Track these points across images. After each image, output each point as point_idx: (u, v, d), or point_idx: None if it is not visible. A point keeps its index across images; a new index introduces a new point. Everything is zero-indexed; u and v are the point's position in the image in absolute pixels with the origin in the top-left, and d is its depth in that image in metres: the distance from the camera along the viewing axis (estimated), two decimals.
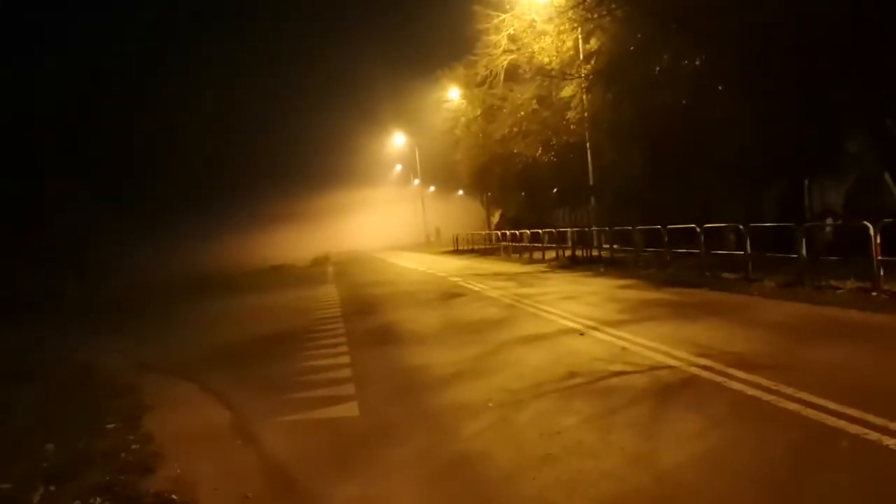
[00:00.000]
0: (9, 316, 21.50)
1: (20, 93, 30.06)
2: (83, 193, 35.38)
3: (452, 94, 34.39)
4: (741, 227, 12.42)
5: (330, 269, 31.65)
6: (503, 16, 25.39)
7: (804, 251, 11.01)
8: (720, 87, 17.51)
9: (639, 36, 18.83)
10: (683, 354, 6.48)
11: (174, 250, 48.27)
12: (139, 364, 9.14)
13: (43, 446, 5.16)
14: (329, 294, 17.33)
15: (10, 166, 33.23)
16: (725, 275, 12.49)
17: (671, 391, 5.37)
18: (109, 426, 5.70)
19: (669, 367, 6.11)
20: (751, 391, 5.13)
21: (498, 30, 25.89)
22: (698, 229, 13.67)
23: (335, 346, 8.98)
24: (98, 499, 4.06)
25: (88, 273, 32.43)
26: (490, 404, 5.43)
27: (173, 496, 4.06)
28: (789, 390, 5.00)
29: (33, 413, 6.41)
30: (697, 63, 17.93)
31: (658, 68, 18.94)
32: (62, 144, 29.81)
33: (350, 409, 5.76)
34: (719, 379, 5.56)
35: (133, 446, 5.08)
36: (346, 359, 8.01)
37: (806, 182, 16.56)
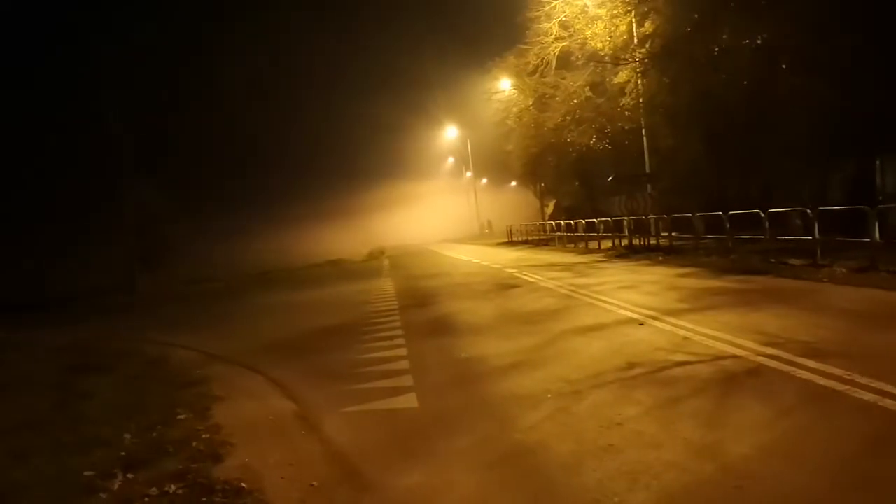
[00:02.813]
0: (82, 307, 22.68)
1: (91, 87, 31.69)
2: (148, 189, 36.84)
3: (503, 85, 34.12)
4: (808, 210, 11.93)
5: (385, 262, 32.02)
6: (554, 3, 25.04)
7: (877, 235, 10.49)
8: (783, 66, 16.80)
9: (696, 16, 18.23)
10: (749, 343, 6.28)
11: (234, 245, 49.73)
12: (206, 355, 9.47)
13: (120, 435, 5.41)
14: (385, 287, 17.54)
15: (88, 163, 35.02)
16: (792, 261, 12.03)
17: (737, 381, 5.22)
18: (181, 416, 5.93)
19: (734, 356, 5.94)
20: (822, 381, 4.94)
21: (549, 17, 25.56)
22: (762, 214, 13.19)
23: (393, 337, 9.09)
24: (173, 486, 4.23)
25: (154, 266, 33.80)
26: (548, 395, 5.40)
27: (242, 484, 4.19)
28: (864, 380, 4.79)
29: (110, 403, 6.73)
30: (759, 41, 17.22)
31: (717, 48, 18.29)
32: (129, 141, 31.24)
33: (409, 401, 5.82)
34: (788, 368, 5.37)
35: (203, 436, 5.27)
36: (403, 350, 8.10)
37: (878, 161, 15.75)
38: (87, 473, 4.56)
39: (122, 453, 4.96)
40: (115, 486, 4.36)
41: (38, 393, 7.51)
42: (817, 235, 11.64)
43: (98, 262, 34.76)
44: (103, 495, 4.24)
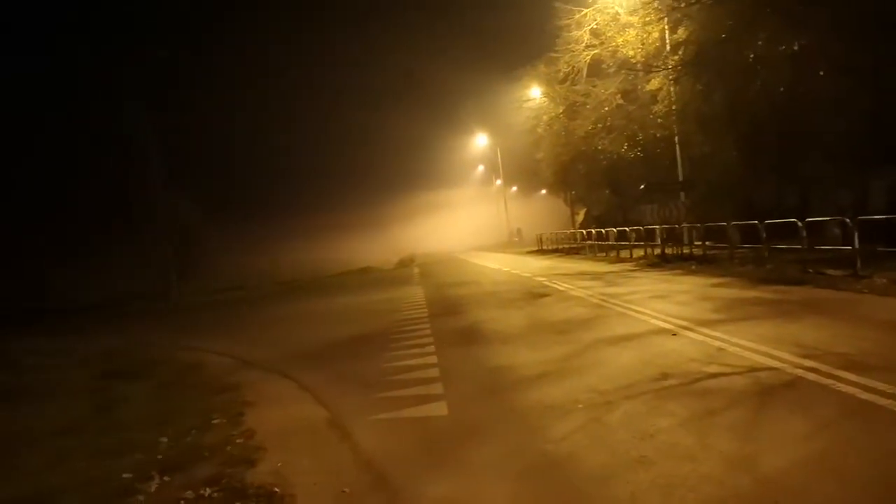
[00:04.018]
0: (120, 314, 23.20)
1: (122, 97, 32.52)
2: (183, 198, 37.64)
3: (534, 93, 34.09)
4: (847, 220, 11.65)
5: (415, 270, 32.11)
6: (585, 10, 24.96)
7: None
8: (821, 72, 16.47)
9: (730, 23, 17.98)
10: (786, 355, 6.15)
11: (266, 253, 50.41)
12: (239, 362, 9.61)
13: (156, 439, 5.53)
14: (415, 295, 17.59)
15: (123, 170, 35.99)
16: (831, 271, 11.74)
17: (773, 394, 5.11)
18: (215, 421, 6.03)
19: (771, 368, 5.82)
20: (863, 395, 4.81)
21: (580, 25, 25.48)
22: (800, 223, 12.91)
23: (423, 345, 9.11)
24: (208, 490, 4.30)
25: (189, 274, 34.42)
26: (579, 405, 5.35)
27: (275, 489, 4.25)
28: None
29: (146, 407, 6.87)
30: (795, 47, 16.92)
31: (752, 55, 18.00)
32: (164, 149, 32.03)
33: (439, 408, 5.83)
34: (827, 381, 5.24)
35: (237, 441, 5.35)
36: (433, 358, 8.11)
37: None
38: (124, 476, 4.67)
39: (159, 457, 5.07)
40: (152, 489, 4.46)
41: (78, 397, 7.71)
42: (857, 245, 11.36)
43: (135, 270, 35.60)
44: (140, 498, 4.33)
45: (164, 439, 5.52)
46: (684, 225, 20.66)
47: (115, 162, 37.80)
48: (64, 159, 38.08)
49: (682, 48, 20.51)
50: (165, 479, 4.60)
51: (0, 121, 33.98)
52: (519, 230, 55.86)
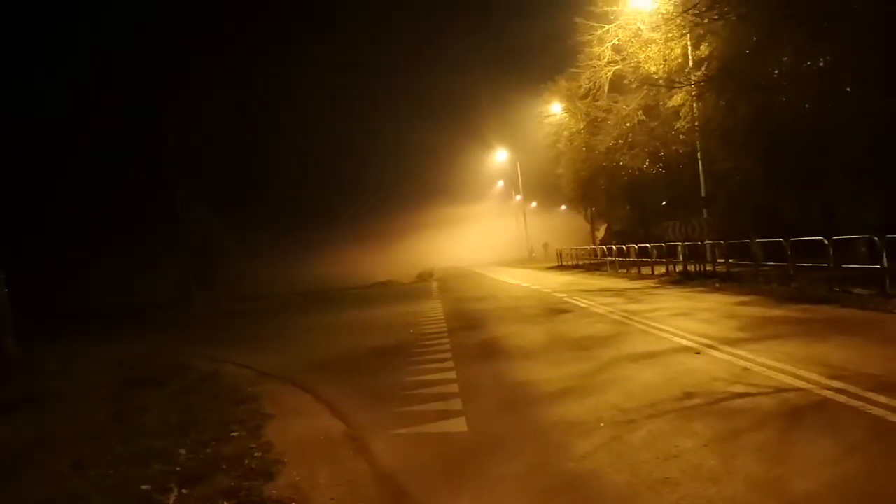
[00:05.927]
0: (141, 322, 23.46)
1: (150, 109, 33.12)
2: (203, 208, 38.03)
3: (554, 108, 34.12)
4: (875, 238, 11.42)
5: (434, 284, 32.09)
6: (607, 27, 24.94)
7: None
8: (848, 88, 16.24)
9: (755, 38, 17.84)
10: (813, 376, 6.01)
11: (286, 265, 50.73)
12: (258, 373, 9.63)
13: (176, 449, 5.53)
14: (434, 309, 17.55)
15: (148, 179, 36.60)
16: (858, 290, 11.50)
17: (801, 415, 4.99)
18: (234, 433, 6.03)
19: (798, 389, 5.69)
20: (894, 417, 4.68)
21: (601, 41, 25.45)
22: (826, 241, 12.68)
23: (442, 360, 9.06)
24: (225, 503, 4.29)
25: (209, 283, 34.72)
26: (601, 423, 5.27)
27: (293, 503, 4.23)
28: None
29: (166, 416, 6.89)
30: (821, 63, 16.73)
31: (777, 71, 17.83)
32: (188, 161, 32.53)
33: (458, 425, 5.77)
34: (856, 403, 5.10)
35: (255, 453, 5.34)
36: (452, 374, 8.05)
37: None
38: (143, 487, 4.67)
39: (178, 468, 5.07)
40: (170, 501, 4.45)
41: (97, 404, 7.76)
42: (885, 264, 11.12)
43: (157, 279, 36.01)
44: None
45: (183, 450, 5.52)
46: (707, 241, 20.41)
47: (140, 171, 38.44)
48: (92, 168, 38.79)
49: (706, 64, 20.38)
50: (184, 490, 4.59)
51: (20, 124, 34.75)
52: (546, 244, 55.58)
